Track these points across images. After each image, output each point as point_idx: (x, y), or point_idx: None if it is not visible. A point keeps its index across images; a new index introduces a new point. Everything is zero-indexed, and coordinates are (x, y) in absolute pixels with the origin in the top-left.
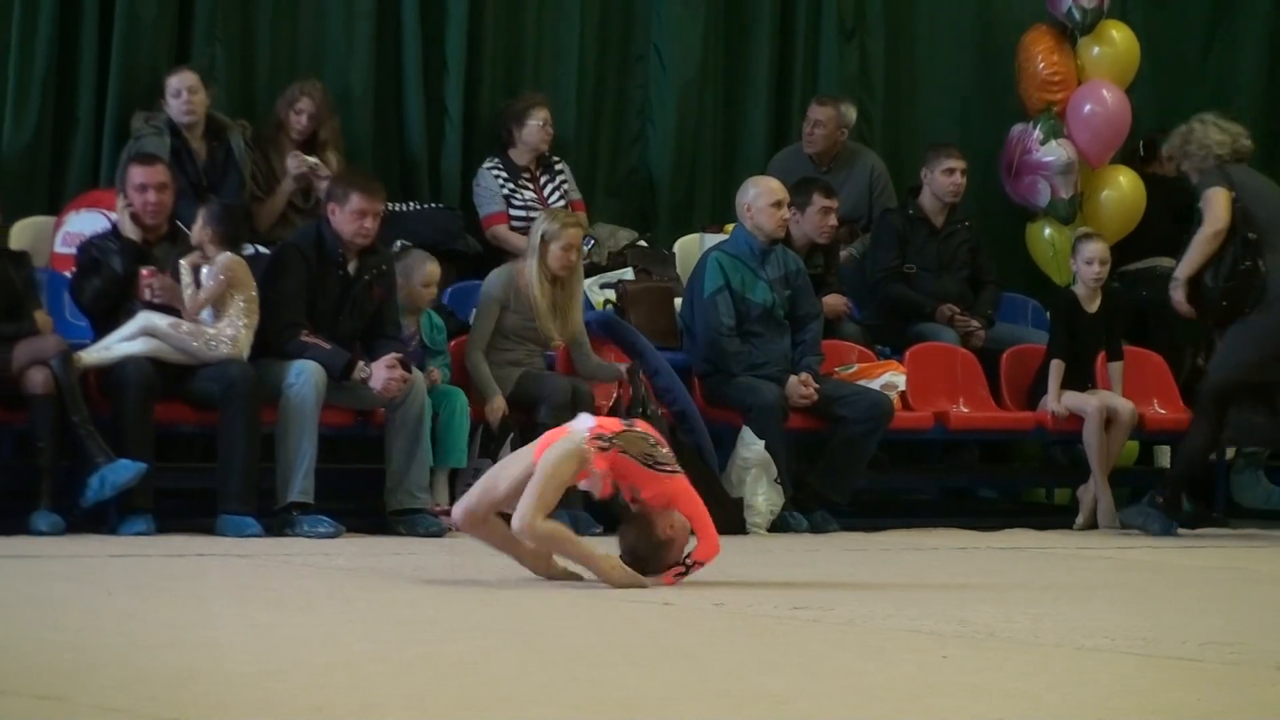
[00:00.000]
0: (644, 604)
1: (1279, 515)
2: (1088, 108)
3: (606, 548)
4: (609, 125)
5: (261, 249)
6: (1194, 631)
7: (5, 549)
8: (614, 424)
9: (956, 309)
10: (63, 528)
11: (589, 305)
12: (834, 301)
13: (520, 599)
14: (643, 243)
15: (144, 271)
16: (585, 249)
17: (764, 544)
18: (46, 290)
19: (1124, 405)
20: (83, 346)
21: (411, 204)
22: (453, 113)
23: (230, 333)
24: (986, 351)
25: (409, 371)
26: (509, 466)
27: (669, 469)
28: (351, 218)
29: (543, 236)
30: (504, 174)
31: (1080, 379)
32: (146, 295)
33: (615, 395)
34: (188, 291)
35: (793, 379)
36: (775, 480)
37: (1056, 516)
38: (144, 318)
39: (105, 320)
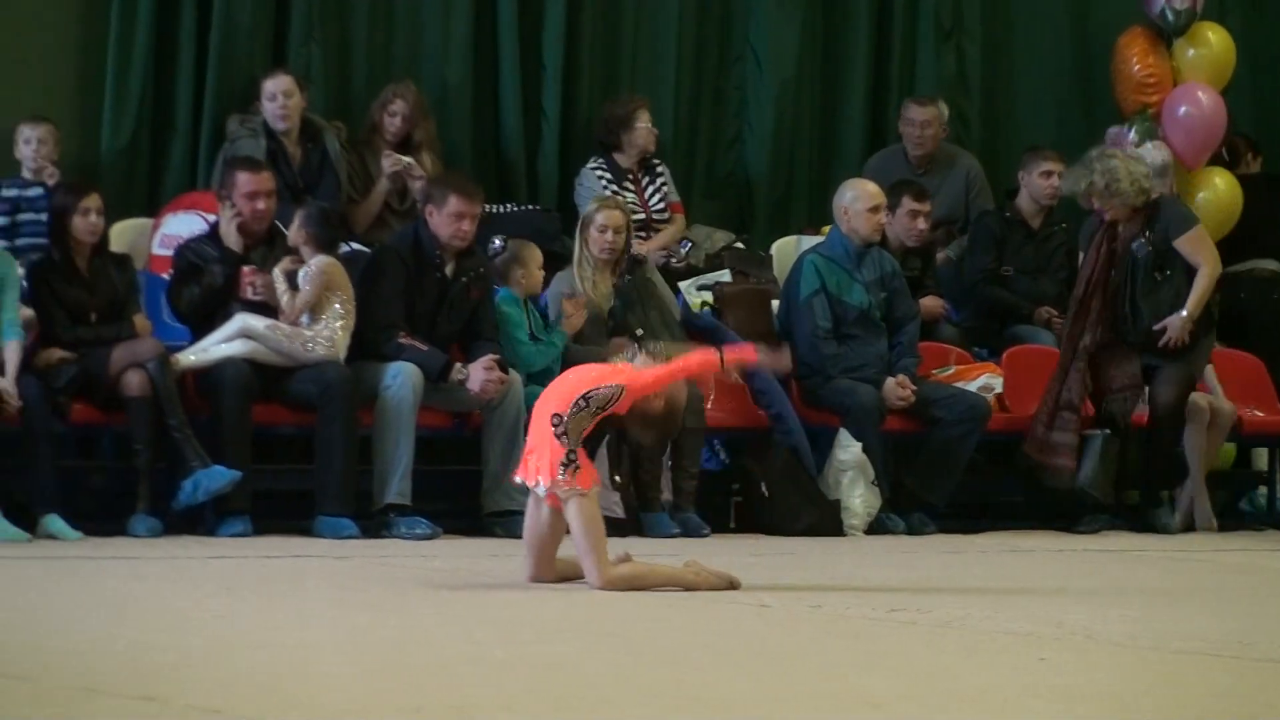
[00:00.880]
0: (740, 605)
1: None
2: (1183, 109)
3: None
4: (706, 127)
5: (358, 246)
6: None
7: (104, 550)
8: (561, 406)
9: (1053, 311)
10: (160, 530)
11: (685, 307)
12: (931, 304)
13: (615, 600)
14: (739, 245)
15: (245, 270)
16: (682, 251)
17: (861, 546)
18: (144, 292)
19: (1225, 407)
20: (180, 349)
21: (509, 205)
22: (550, 114)
23: (327, 334)
24: None
25: (505, 373)
26: (530, 530)
27: (615, 389)
28: (449, 220)
29: (583, 222)
30: (608, 175)
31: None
32: (249, 294)
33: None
34: (284, 299)
35: (890, 381)
36: (872, 482)
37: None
38: (241, 319)
39: (203, 323)
